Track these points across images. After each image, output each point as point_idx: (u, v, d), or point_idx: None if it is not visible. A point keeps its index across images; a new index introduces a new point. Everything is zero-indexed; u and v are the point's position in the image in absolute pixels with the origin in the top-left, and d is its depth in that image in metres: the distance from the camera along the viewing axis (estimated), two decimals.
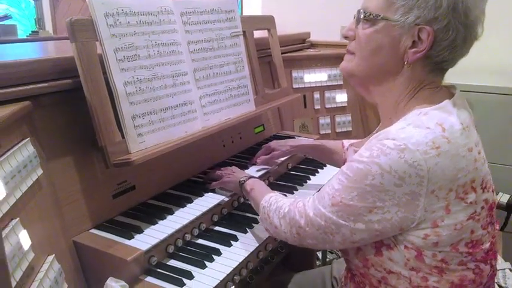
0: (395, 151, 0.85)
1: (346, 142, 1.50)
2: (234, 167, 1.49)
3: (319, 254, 2.26)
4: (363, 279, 1.05)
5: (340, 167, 1.58)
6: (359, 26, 0.99)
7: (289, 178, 1.68)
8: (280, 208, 1.10)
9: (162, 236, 1.16)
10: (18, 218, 0.84)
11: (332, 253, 2.42)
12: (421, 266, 0.93)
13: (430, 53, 0.93)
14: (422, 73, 0.97)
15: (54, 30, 4.56)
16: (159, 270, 1.12)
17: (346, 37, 1.05)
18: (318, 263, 2.22)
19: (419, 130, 0.87)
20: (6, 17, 3.55)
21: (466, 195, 0.88)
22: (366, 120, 2.47)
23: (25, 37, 3.65)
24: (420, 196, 0.86)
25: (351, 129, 2.39)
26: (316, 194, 1.02)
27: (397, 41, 0.94)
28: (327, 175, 1.69)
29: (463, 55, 0.96)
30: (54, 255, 0.95)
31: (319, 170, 1.75)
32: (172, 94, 1.30)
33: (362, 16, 0.97)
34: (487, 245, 0.95)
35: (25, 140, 0.97)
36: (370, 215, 0.90)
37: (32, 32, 3.72)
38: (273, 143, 1.64)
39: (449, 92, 1.00)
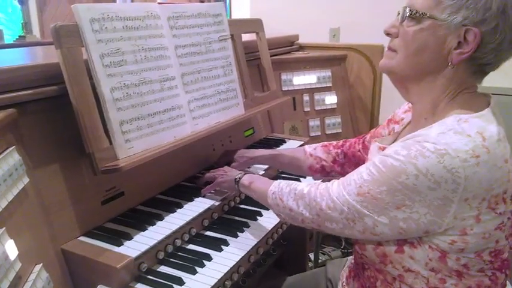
0: (435, 155, 0.85)
1: (308, 148, 1.49)
2: (226, 167, 1.48)
3: (312, 256, 2.26)
4: (376, 274, 1.05)
5: (304, 174, 1.55)
6: (404, 24, 0.98)
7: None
8: (295, 190, 1.09)
9: (152, 242, 1.15)
10: (4, 228, 0.83)
11: (324, 254, 2.43)
12: (442, 267, 0.94)
13: (475, 55, 0.92)
14: (464, 75, 0.96)
15: (41, 34, 4.53)
16: (149, 277, 1.12)
17: (388, 34, 1.03)
18: (310, 264, 2.23)
19: (460, 137, 0.87)
20: None
21: (497, 205, 0.89)
22: (356, 122, 2.48)
23: (12, 42, 3.62)
24: (452, 203, 0.87)
25: (340, 130, 2.40)
26: (341, 179, 1.01)
27: (442, 41, 0.93)
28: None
29: (507, 58, 0.96)
30: (42, 264, 0.94)
31: None
32: (160, 99, 1.29)
33: (408, 14, 0.96)
34: (506, 255, 0.96)
35: (10, 148, 0.96)
36: (396, 212, 0.91)
37: (19, 36, 3.70)
38: (232, 153, 1.60)
39: (485, 99, 0.99)
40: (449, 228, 0.89)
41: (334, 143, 1.47)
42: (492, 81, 1.08)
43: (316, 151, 1.47)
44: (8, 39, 3.88)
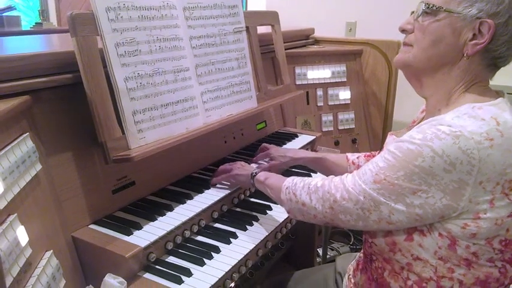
0: (450, 136, 0.86)
1: (351, 155, 1.48)
2: (242, 162, 1.48)
3: (320, 251, 2.25)
4: (384, 264, 1.05)
5: None
6: (419, 19, 1.01)
7: (291, 174, 1.67)
8: (309, 184, 1.10)
9: (161, 233, 1.16)
10: (15, 214, 0.84)
11: (333, 250, 2.42)
12: (451, 256, 0.94)
13: (489, 47, 0.95)
14: (479, 67, 0.99)
15: (58, 21, 4.55)
16: (157, 267, 1.12)
17: (403, 30, 1.06)
18: (318, 259, 2.22)
19: (474, 120, 0.89)
20: (10, 8, 3.54)
21: (511, 191, 0.89)
22: (370, 118, 2.45)
23: (29, 29, 3.65)
24: (467, 185, 0.87)
25: (353, 126, 2.38)
26: (355, 171, 1.02)
27: (457, 33, 0.96)
28: None
29: None
30: (52, 251, 0.95)
31: None
32: (173, 90, 1.29)
33: (424, 8, 0.99)
34: None
35: (24, 135, 0.97)
36: (412, 197, 0.91)
37: (36, 23, 3.72)
38: (273, 151, 1.60)
39: (497, 94, 1.01)
40: (464, 211, 0.90)
41: (375, 153, 1.46)
42: (502, 80, 1.08)
43: (359, 160, 1.46)
44: (25, 25, 3.91)
